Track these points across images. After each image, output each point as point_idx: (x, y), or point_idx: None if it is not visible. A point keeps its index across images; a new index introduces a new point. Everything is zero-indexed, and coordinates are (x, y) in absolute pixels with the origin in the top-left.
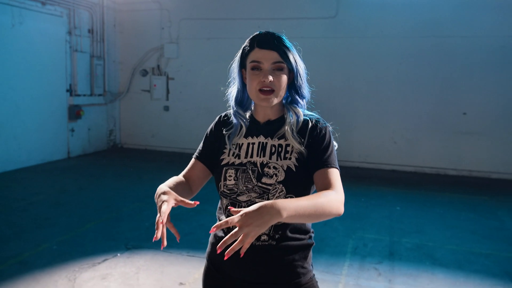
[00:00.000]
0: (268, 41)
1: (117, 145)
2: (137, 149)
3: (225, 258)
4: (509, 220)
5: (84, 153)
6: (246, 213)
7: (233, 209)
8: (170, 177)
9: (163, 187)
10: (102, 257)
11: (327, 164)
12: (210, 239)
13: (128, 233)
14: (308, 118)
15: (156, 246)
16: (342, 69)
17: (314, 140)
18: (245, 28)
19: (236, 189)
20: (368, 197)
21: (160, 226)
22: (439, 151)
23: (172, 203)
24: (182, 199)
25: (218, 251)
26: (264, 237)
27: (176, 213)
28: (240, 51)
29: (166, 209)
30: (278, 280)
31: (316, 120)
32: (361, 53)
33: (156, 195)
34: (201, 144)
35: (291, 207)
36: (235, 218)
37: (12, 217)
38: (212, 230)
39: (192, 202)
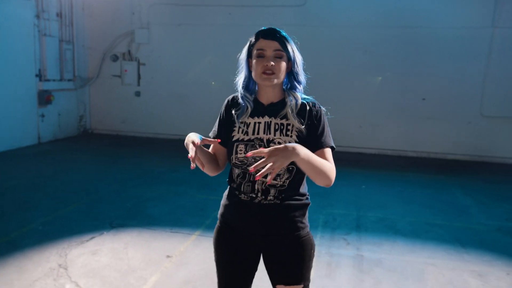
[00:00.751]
0: (271, 33)
1: (87, 131)
2: (108, 135)
3: (257, 178)
4: (461, 196)
5: (55, 138)
6: (275, 148)
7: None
8: (146, 160)
9: (192, 133)
10: (89, 235)
11: (324, 145)
12: (223, 202)
13: (111, 212)
14: (305, 102)
15: (140, 224)
16: (310, 56)
17: (313, 122)
18: (216, 14)
19: (246, 161)
20: (336, 177)
21: (192, 147)
22: (400, 134)
23: (199, 140)
24: (205, 138)
25: (252, 170)
26: (271, 197)
27: (157, 195)
28: (247, 44)
29: (197, 141)
30: (282, 232)
31: (313, 103)
32: (328, 42)
33: (186, 139)
34: (216, 126)
35: (307, 153)
36: (266, 150)
37: None
38: (249, 155)
39: (215, 140)
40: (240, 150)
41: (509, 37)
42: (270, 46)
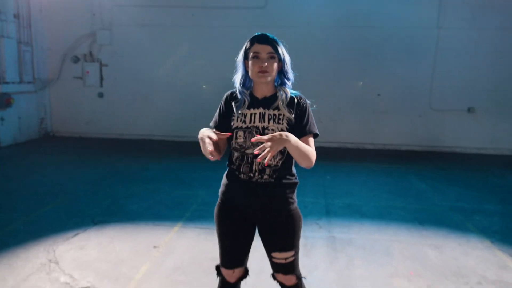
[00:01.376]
0: (264, 38)
1: (48, 134)
2: (71, 137)
3: (258, 161)
4: (416, 182)
5: (15, 142)
6: (272, 135)
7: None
8: (115, 161)
9: (205, 129)
10: (73, 232)
11: (308, 132)
12: (223, 182)
13: (90, 210)
14: (294, 95)
15: (121, 220)
16: None
17: (299, 112)
18: (178, 15)
19: (244, 145)
20: (302, 170)
21: (209, 141)
22: (358, 128)
23: (215, 136)
24: (218, 132)
25: (253, 140)
26: (266, 177)
27: (132, 193)
28: (244, 48)
29: (214, 136)
30: (275, 206)
31: (299, 97)
32: (289, 42)
33: (200, 133)
34: (217, 118)
35: (296, 140)
36: (265, 136)
37: None
38: (253, 140)
39: (228, 134)
40: (239, 136)
41: (452, 37)
42: (264, 50)
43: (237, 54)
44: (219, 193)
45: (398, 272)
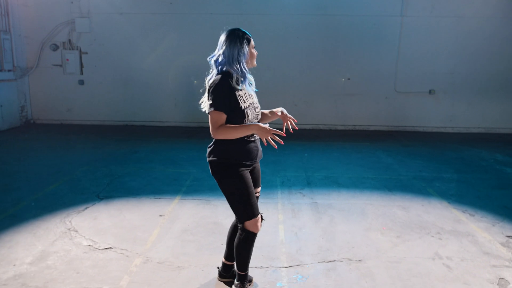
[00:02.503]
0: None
1: (29, 121)
2: (52, 124)
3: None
4: (384, 157)
5: None
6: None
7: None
8: (102, 144)
9: (259, 124)
10: (83, 206)
11: None
12: (231, 148)
13: (93, 188)
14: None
15: (124, 195)
16: None
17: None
18: (158, 4)
19: (251, 120)
20: (281, 149)
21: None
22: (330, 110)
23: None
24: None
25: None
26: (256, 137)
27: (129, 172)
28: (246, 37)
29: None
30: (261, 156)
31: None
32: (264, 29)
33: (259, 127)
34: (223, 103)
35: None
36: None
37: None
38: (281, 132)
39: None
40: (249, 114)
41: (415, 24)
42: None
43: (214, 40)
44: (232, 158)
45: (372, 227)
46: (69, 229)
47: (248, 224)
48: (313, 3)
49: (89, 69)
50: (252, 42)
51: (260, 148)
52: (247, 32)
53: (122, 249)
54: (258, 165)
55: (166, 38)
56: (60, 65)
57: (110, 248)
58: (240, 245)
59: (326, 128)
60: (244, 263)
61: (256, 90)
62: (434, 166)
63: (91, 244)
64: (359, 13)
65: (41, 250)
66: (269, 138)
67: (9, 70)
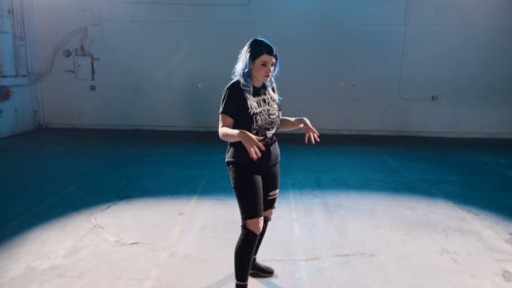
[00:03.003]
0: (271, 51)
1: (41, 125)
2: (64, 129)
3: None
4: (390, 160)
5: (12, 133)
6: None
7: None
8: (115, 148)
9: (245, 132)
10: (105, 205)
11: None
12: (244, 153)
13: (112, 188)
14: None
15: (143, 195)
16: None
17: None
18: (167, 12)
19: (262, 125)
20: (290, 153)
21: (255, 144)
22: (335, 116)
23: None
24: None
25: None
26: (274, 139)
27: (144, 174)
28: (251, 50)
29: (255, 137)
30: (278, 158)
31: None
32: (270, 36)
33: (245, 134)
34: (229, 107)
35: None
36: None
37: None
38: (262, 146)
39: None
40: (258, 119)
41: (418, 32)
42: (270, 60)
43: (222, 47)
44: (242, 162)
45: (381, 225)
46: (95, 226)
47: (249, 223)
48: (318, 12)
49: (101, 75)
50: (264, 57)
51: (274, 152)
52: (264, 44)
53: (147, 244)
54: (275, 169)
55: (175, 45)
56: (72, 71)
57: (137, 243)
58: (239, 248)
59: (331, 133)
60: (242, 271)
61: (281, 98)
62: (438, 169)
63: (118, 240)
64: (363, 22)
65: (71, 245)
66: (250, 148)
67: (23, 76)
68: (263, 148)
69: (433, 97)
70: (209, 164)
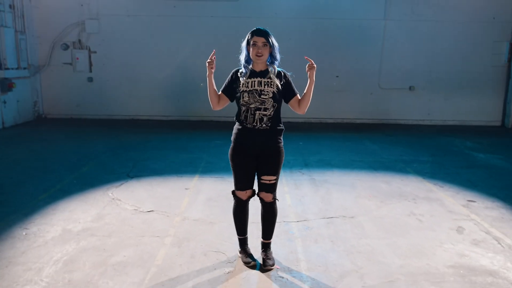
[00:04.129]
0: (260, 32)
1: (41, 116)
2: (63, 119)
3: (310, 62)
4: (370, 144)
5: (15, 123)
6: (314, 65)
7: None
8: (116, 135)
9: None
10: (118, 182)
11: (295, 93)
12: (234, 131)
13: (121, 169)
14: (280, 70)
15: (151, 174)
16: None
17: (287, 82)
18: (162, 7)
19: (249, 102)
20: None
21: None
22: (321, 105)
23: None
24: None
25: (306, 58)
26: (264, 124)
27: (148, 157)
28: (247, 38)
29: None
30: (270, 146)
31: (283, 71)
32: None
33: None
34: (226, 85)
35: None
36: (312, 63)
37: (10, 170)
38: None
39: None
40: (245, 96)
41: (397, 27)
42: (259, 40)
43: (214, 39)
44: (232, 139)
45: (361, 195)
46: (113, 199)
47: (236, 191)
48: (304, 8)
49: (98, 67)
50: (254, 38)
51: (264, 138)
52: (255, 28)
53: (162, 211)
54: (268, 155)
55: (169, 39)
56: (70, 64)
57: (152, 211)
58: (233, 210)
59: (317, 121)
60: (239, 227)
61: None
62: (412, 152)
63: (135, 209)
64: (346, 17)
65: (96, 213)
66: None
67: (24, 68)
68: (213, 56)
69: (410, 87)
70: (206, 148)
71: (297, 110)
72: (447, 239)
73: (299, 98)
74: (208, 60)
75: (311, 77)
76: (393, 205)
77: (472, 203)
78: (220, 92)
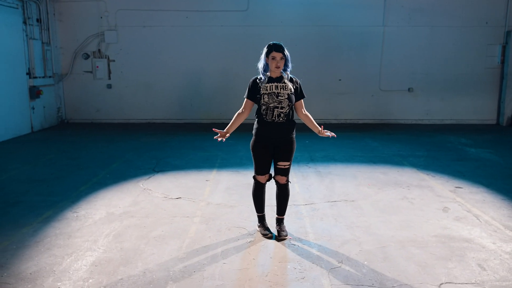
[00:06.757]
0: (278, 48)
1: (64, 121)
2: (83, 123)
3: (330, 136)
4: (371, 142)
5: (42, 128)
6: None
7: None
8: (136, 137)
9: (225, 131)
10: (145, 176)
11: (301, 97)
12: (255, 126)
13: (147, 165)
14: (292, 76)
15: (173, 169)
16: (253, 49)
17: (297, 86)
18: (175, 18)
19: (268, 102)
20: None
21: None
22: (325, 107)
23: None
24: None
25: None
26: (281, 119)
27: (168, 155)
28: (266, 50)
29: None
30: (285, 136)
31: (295, 78)
32: (266, 38)
33: (223, 132)
34: (248, 92)
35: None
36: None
37: (49, 168)
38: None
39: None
40: (265, 97)
41: (395, 33)
42: (278, 55)
43: (224, 48)
44: (253, 133)
45: (361, 184)
46: (144, 189)
47: (256, 176)
48: (308, 16)
49: (116, 75)
50: (273, 53)
51: (281, 131)
52: (273, 44)
53: (188, 198)
54: (284, 145)
55: (182, 47)
56: (91, 72)
57: (180, 198)
58: (252, 191)
59: (321, 122)
60: (257, 205)
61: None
62: (409, 148)
63: (165, 196)
64: (347, 24)
65: (131, 200)
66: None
67: (49, 77)
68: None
69: (409, 89)
70: (220, 147)
71: (297, 111)
72: (434, 216)
73: (303, 102)
74: (218, 139)
75: (322, 132)
76: (389, 191)
77: (459, 189)
78: (246, 100)
